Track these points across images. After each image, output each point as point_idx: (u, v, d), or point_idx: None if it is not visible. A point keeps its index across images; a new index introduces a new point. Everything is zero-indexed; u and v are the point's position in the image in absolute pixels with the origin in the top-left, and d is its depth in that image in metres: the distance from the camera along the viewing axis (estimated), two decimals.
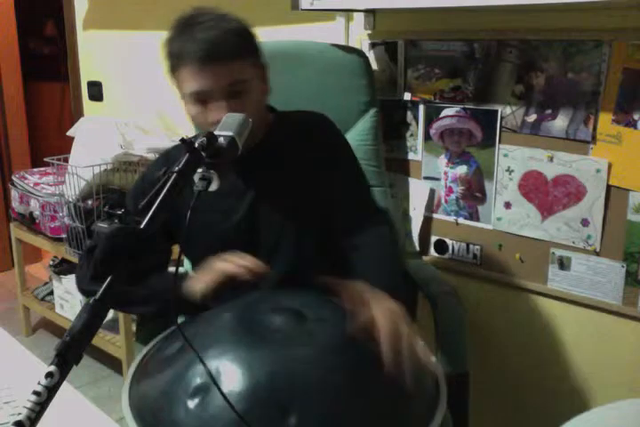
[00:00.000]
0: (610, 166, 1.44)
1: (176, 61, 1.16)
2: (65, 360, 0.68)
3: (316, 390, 0.87)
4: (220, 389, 0.84)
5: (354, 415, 0.87)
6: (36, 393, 0.65)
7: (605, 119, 1.42)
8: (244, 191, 1.25)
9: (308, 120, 1.33)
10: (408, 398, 0.91)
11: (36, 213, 2.53)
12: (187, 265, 1.59)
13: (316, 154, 1.28)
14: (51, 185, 2.48)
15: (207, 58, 1.13)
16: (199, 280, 1.12)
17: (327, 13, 1.82)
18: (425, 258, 1.81)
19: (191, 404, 0.85)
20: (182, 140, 0.89)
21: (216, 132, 0.95)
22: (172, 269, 1.30)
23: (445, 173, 1.72)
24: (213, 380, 0.85)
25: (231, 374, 0.87)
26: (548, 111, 1.51)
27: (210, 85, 1.14)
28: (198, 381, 0.87)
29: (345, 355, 0.93)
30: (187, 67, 1.14)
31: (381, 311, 0.97)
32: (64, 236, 2.38)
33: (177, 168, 0.85)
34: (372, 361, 0.92)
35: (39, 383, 0.66)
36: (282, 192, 1.26)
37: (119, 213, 0.80)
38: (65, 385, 0.68)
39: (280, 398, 0.85)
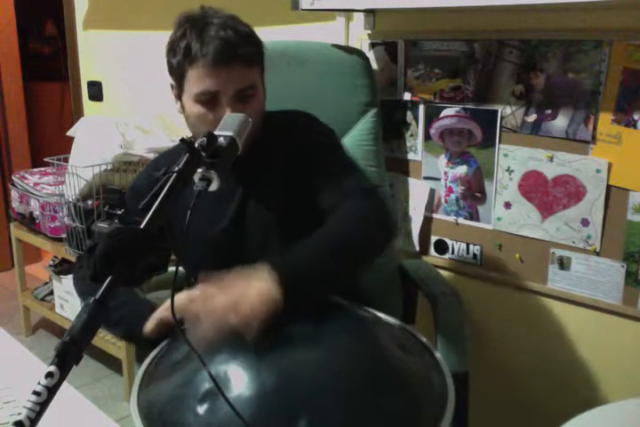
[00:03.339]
0: (610, 166, 1.44)
1: (186, 59, 1.14)
2: (65, 360, 0.68)
3: (325, 395, 0.86)
4: (224, 395, 0.83)
5: (364, 420, 0.86)
6: (35, 393, 0.65)
7: (605, 119, 1.42)
8: (232, 194, 1.25)
9: (292, 120, 1.32)
10: (418, 399, 0.91)
11: (36, 213, 2.53)
12: None
13: (299, 151, 1.26)
14: (51, 185, 2.49)
15: (224, 58, 1.11)
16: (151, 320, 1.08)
17: (327, 13, 1.83)
18: (425, 258, 1.82)
19: (200, 409, 0.85)
20: (182, 140, 0.89)
21: (216, 133, 0.95)
22: (172, 268, 1.30)
23: (445, 173, 1.72)
24: (218, 387, 0.84)
25: (239, 379, 0.87)
26: (548, 111, 1.51)
27: (221, 87, 1.13)
28: (207, 386, 0.86)
29: (354, 358, 0.92)
30: (199, 65, 1.12)
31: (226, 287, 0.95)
32: (64, 236, 2.38)
33: (177, 168, 0.85)
34: (382, 363, 0.92)
35: (39, 383, 0.66)
36: (269, 195, 1.25)
37: (119, 213, 0.80)
38: (65, 385, 0.68)
39: (289, 403, 0.84)
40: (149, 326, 1.07)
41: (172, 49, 1.17)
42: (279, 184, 1.25)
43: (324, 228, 1.10)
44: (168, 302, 1.07)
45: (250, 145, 1.19)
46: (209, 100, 1.15)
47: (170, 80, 1.22)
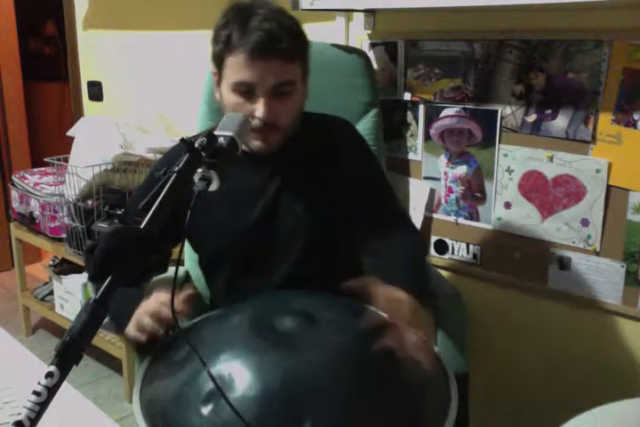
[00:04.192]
0: (610, 166, 1.44)
1: (226, 47, 1.13)
2: (65, 360, 0.68)
3: (329, 395, 0.86)
4: (225, 397, 0.83)
5: (367, 420, 0.85)
6: (35, 393, 0.65)
7: (605, 119, 1.42)
8: (265, 189, 1.25)
9: (333, 124, 1.32)
10: (421, 400, 0.91)
11: (36, 213, 2.53)
12: (187, 265, 1.59)
13: (340, 157, 1.26)
14: (51, 185, 2.49)
15: (262, 50, 1.10)
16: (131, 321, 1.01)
17: (327, 13, 1.83)
18: None
19: (204, 410, 0.84)
20: (182, 140, 0.89)
21: (216, 132, 0.95)
22: (172, 268, 1.30)
23: (445, 173, 1.72)
24: (219, 388, 0.84)
25: (243, 380, 0.86)
26: (548, 111, 1.51)
27: (258, 79, 1.12)
28: (210, 386, 0.86)
29: (357, 358, 0.92)
30: (238, 55, 1.12)
31: (388, 301, 0.99)
32: (64, 236, 2.38)
33: (177, 168, 0.85)
34: (385, 363, 0.92)
35: (39, 383, 0.66)
36: (301, 194, 1.25)
37: (119, 213, 0.80)
38: (65, 385, 0.68)
39: (293, 403, 0.84)
40: (130, 327, 1.01)
41: (215, 36, 1.17)
42: (314, 187, 1.25)
43: (409, 262, 1.19)
44: (146, 303, 1.01)
45: (285, 143, 1.20)
46: (246, 91, 1.14)
47: (212, 67, 1.21)
